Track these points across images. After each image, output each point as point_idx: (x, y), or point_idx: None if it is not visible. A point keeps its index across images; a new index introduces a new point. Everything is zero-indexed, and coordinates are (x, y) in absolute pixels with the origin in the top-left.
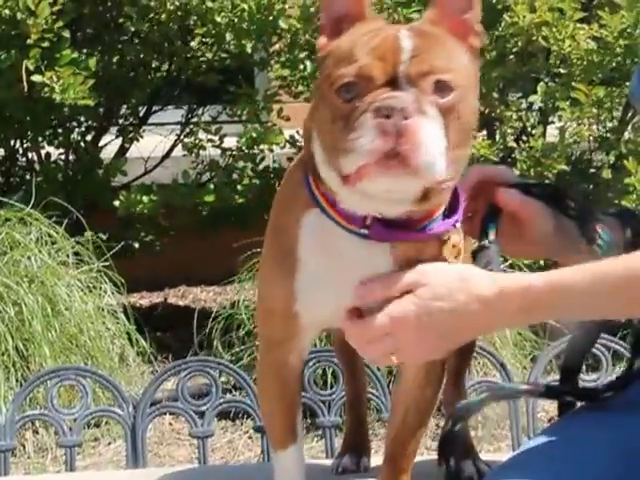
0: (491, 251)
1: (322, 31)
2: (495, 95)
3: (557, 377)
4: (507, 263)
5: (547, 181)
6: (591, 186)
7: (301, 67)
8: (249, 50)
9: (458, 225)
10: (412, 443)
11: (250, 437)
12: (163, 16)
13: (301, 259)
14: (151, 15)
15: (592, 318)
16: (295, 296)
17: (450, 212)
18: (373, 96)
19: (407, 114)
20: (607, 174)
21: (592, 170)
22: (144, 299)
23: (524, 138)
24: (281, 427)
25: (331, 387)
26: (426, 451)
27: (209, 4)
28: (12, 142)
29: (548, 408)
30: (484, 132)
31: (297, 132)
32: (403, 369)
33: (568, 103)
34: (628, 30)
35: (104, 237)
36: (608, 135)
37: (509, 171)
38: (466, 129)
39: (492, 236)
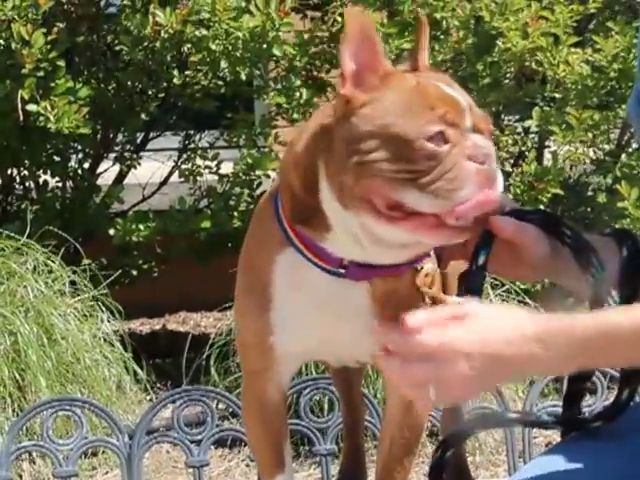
0: (476, 277)
1: (345, 80)
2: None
3: (554, 402)
4: (504, 287)
5: (542, 205)
6: (588, 209)
7: (297, 95)
8: (244, 77)
9: (431, 253)
10: (400, 472)
11: (247, 465)
12: (157, 44)
13: (276, 295)
14: (145, 44)
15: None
16: (270, 330)
17: None
18: (463, 141)
19: (493, 160)
20: (602, 198)
21: (589, 193)
22: (144, 325)
23: (521, 162)
24: (267, 456)
25: (327, 415)
26: (423, 477)
27: (203, 32)
28: (9, 171)
29: (547, 432)
30: None
31: None
32: (388, 396)
33: (562, 127)
34: (622, 54)
35: (101, 265)
36: (605, 158)
37: (505, 197)
38: None
39: (481, 262)
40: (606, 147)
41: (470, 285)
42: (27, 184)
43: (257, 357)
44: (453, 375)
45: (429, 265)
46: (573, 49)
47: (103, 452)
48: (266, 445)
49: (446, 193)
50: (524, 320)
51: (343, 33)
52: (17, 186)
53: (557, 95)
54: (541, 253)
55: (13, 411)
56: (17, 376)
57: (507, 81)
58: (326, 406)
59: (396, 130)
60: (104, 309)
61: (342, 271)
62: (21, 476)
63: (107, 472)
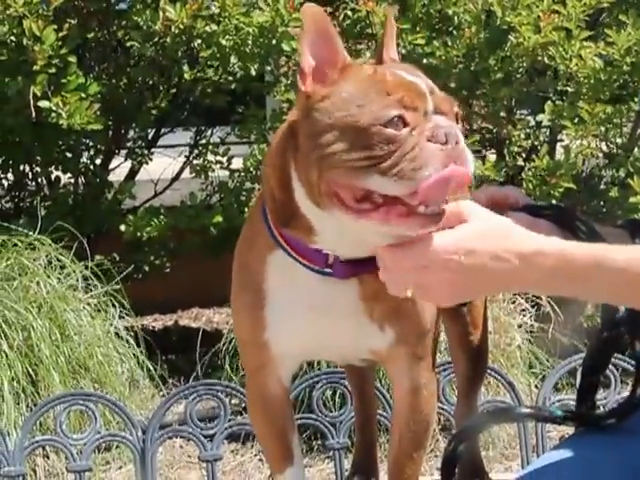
0: None
1: (305, 77)
2: (503, 114)
3: (567, 395)
4: None
5: (554, 199)
6: (601, 203)
7: None
8: (254, 73)
9: None
10: (411, 466)
11: (260, 459)
12: (168, 39)
13: (268, 294)
14: (156, 39)
15: (621, 302)
16: (264, 327)
17: None
18: (423, 123)
19: (459, 139)
20: (615, 192)
21: (602, 187)
22: (157, 322)
23: (533, 157)
24: (275, 451)
25: (340, 409)
26: (437, 471)
27: (214, 27)
28: (21, 167)
29: (560, 426)
30: (493, 151)
31: None
32: (394, 391)
33: (575, 121)
34: (635, 48)
35: (113, 261)
36: (618, 152)
37: (519, 192)
38: None
39: None
40: (619, 141)
41: None
42: (39, 180)
43: (253, 354)
44: (434, 280)
45: None
46: (585, 43)
47: (117, 447)
48: (272, 439)
49: (410, 173)
50: (515, 237)
51: (300, 30)
52: (29, 182)
53: (569, 89)
54: None
55: (27, 406)
56: (30, 371)
57: (519, 76)
58: (338, 400)
59: (352, 119)
60: (116, 305)
61: (329, 270)
62: (35, 471)
63: (121, 467)
